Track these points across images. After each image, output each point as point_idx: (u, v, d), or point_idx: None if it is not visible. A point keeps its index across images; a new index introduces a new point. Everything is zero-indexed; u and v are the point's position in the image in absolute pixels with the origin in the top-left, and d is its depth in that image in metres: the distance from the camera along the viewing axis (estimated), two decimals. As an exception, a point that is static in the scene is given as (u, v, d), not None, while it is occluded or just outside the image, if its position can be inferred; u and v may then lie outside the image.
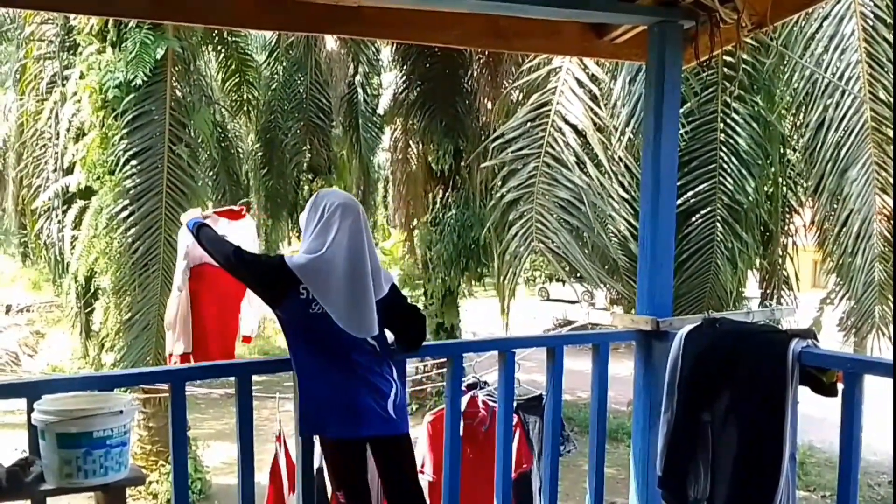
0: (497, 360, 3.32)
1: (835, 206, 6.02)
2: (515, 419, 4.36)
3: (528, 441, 4.82)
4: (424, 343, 3.09)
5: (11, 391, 2.87)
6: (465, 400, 4.49)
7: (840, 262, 6.14)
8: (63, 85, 9.78)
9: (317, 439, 3.06)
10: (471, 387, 4.78)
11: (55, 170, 10.15)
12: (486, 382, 4.91)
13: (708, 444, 2.95)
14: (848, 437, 2.63)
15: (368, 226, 2.90)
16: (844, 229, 5.95)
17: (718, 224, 6.28)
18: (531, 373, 6.13)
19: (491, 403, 4.65)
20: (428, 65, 11.25)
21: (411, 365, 9.81)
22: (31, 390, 2.52)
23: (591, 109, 6.37)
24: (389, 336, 3.00)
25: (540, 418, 4.90)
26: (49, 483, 2.37)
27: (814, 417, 4.46)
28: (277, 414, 5.05)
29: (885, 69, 5.60)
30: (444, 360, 3.41)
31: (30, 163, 10.87)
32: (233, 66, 11.67)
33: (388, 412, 2.86)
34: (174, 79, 8.52)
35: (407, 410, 3.00)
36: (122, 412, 2.41)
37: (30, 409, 2.42)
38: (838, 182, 5.83)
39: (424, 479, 4.98)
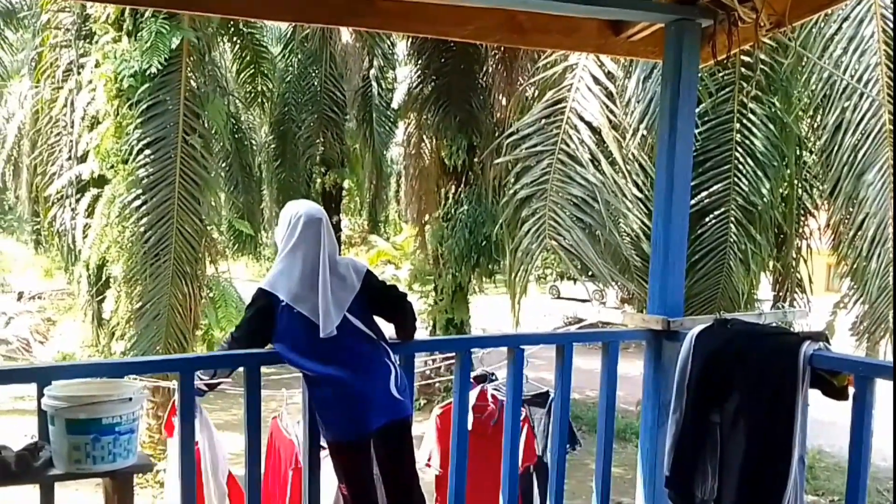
0: (506, 356, 3.31)
1: (850, 209, 5.96)
2: (523, 413, 4.35)
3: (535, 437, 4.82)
4: (433, 337, 3.13)
5: (22, 376, 2.89)
6: (474, 394, 4.49)
7: (854, 265, 6.09)
8: (78, 73, 9.81)
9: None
10: (479, 379, 4.77)
11: (69, 158, 10.19)
12: (494, 374, 4.90)
13: (716, 445, 2.93)
14: (857, 441, 2.61)
15: (331, 231, 3.05)
16: (860, 233, 5.89)
17: (732, 225, 6.24)
18: (540, 371, 6.12)
19: (500, 397, 4.64)
20: (443, 60, 11.22)
21: (420, 359, 9.81)
22: (41, 376, 2.53)
23: (607, 107, 6.34)
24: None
25: (546, 415, 4.90)
26: (58, 468, 2.39)
27: (824, 421, 4.44)
28: (284, 407, 5.07)
29: (905, 72, 5.55)
30: (453, 354, 3.40)
31: (44, 150, 10.93)
32: (248, 58, 11.68)
33: (391, 395, 2.94)
34: (189, 69, 8.53)
35: (410, 393, 3.05)
36: (131, 399, 2.42)
37: (40, 395, 2.43)
38: (854, 185, 5.77)
39: (432, 473, 4.99)
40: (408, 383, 3.05)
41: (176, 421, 4.69)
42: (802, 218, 7.64)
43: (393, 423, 2.98)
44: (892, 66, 5.45)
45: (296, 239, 2.96)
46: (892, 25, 5.43)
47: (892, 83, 5.49)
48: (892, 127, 5.57)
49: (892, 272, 5.75)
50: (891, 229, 5.69)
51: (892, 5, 5.53)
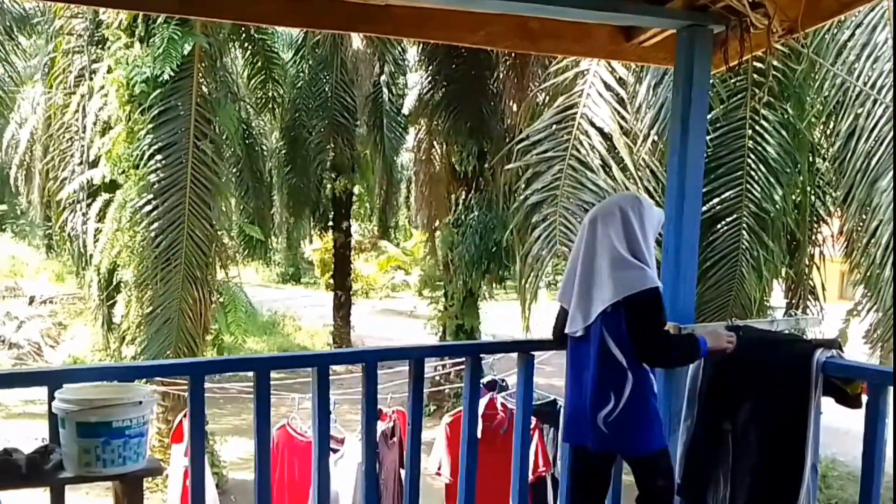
0: (516, 362, 3.30)
1: (864, 216, 5.91)
2: (534, 422, 4.33)
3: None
4: (443, 343, 3.09)
5: (34, 379, 2.90)
6: (483, 402, 4.48)
7: (868, 273, 6.03)
8: (91, 79, 9.87)
9: None
10: (489, 386, 4.76)
11: (81, 163, 10.26)
12: (504, 381, 4.89)
13: (728, 452, 2.92)
14: (871, 450, 2.59)
15: (607, 228, 2.87)
16: (873, 240, 5.84)
17: (744, 232, 6.21)
18: (550, 377, 6.09)
19: (509, 406, 4.63)
20: (454, 66, 11.24)
21: (430, 365, 9.78)
22: (52, 379, 2.54)
23: (618, 113, 6.33)
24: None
25: (552, 426, 4.88)
26: (68, 471, 2.39)
27: (837, 429, 4.40)
28: (295, 412, 5.06)
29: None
30: (463, 360, 3.39)
31: (56, 156, 10.99)
32: (259, 64, 11.73)
33: (597, 424, 2.83)
34: (200, 75, 8.57)
35: (628, 429, 2.84)
36: (141, 403, 2.43)
37: (51, 398, 2.44)
38: (868, 192, 5.72)
39: (442, 481, 4.98)
40: (625, 416, 2.81)
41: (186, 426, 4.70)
42: (815, 225, 7.60)
43: (599, 453, 2.94)
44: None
45: (577, 239, 3.03)
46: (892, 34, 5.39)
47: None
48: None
49: (892, 279, 5.70)
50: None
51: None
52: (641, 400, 2.81)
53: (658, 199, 6.18)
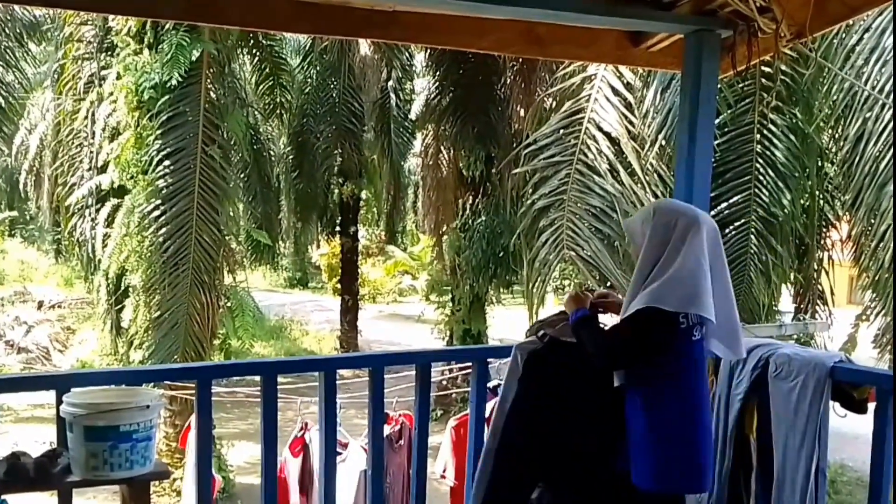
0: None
1: (872, 220, 5.88)
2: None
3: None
4: (450, 347, 3.08)
5: (42, 383, 2.91)
6: (489, 406, 4.47)
7: (877, 277, 6.02)
8: (100, 85, 9.92)
9: None
10: (496, 391, 4.75)
11: (90, 168, 10.31)
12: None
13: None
14: (879, 455, 2.57)
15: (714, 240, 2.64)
16: (882, 244, 5.83)
17: (753, 236, 6.19)
18: (557, 382, 6.05)
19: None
20: (461, 71, 11.26)
21: (436, 369, 9.78)
22: (60, 383, 2.56)
23: (625, 117, 6.33)
24: None
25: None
26: (75, 475, 2.40)
27: (847, 435, 4.38)
28: (299, 417, 5.07)
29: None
30: (470, 364, 3.39)
31: (65, 161, 11.05)
32: (267, 70, 11.76)
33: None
34: (209, 81, 8.60)
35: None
36: (148, 407, 2.43)
37: (59, 402, 2.45)
38: (876, 196, 5.70)
39: (446, 485, 4.97)
40: None
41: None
42: (824, 229, 7.57)
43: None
44: None
45: (685, 249, 2.58)
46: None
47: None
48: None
49: (892, 281, 5.67)
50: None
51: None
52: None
53: (666, 203, 6.16)
